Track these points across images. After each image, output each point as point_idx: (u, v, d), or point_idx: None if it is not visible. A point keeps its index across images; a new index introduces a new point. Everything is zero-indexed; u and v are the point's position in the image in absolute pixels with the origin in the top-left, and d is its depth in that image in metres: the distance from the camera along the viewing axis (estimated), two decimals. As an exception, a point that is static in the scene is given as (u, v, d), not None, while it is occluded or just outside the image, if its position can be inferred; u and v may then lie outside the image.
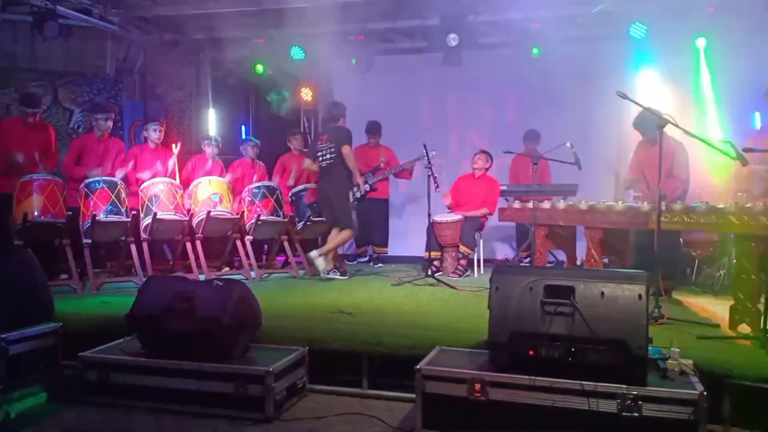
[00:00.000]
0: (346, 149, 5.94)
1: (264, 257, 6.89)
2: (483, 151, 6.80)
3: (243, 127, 9.31)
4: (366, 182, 7.22)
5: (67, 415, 3.34)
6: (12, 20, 7.49)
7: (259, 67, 8.23)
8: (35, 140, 5.88)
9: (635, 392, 2.69)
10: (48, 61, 7.87)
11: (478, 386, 2.90)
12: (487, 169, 6.73)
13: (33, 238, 5.15)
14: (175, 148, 6.39)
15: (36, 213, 5.24)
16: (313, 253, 5.98)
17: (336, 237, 6.11)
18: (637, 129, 5.31)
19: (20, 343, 3.61)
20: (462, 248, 6.37)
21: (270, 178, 7.06)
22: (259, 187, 6.30)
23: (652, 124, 5.14)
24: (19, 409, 3.36)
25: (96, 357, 3.50)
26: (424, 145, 6.29)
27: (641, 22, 6.69)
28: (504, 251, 8.00)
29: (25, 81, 7.57)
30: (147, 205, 5.73)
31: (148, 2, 7.23)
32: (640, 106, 4.32)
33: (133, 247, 5.65)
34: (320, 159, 6.09)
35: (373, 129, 7.50)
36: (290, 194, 6.61)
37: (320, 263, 5.94)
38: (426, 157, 6.15)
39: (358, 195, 7.24)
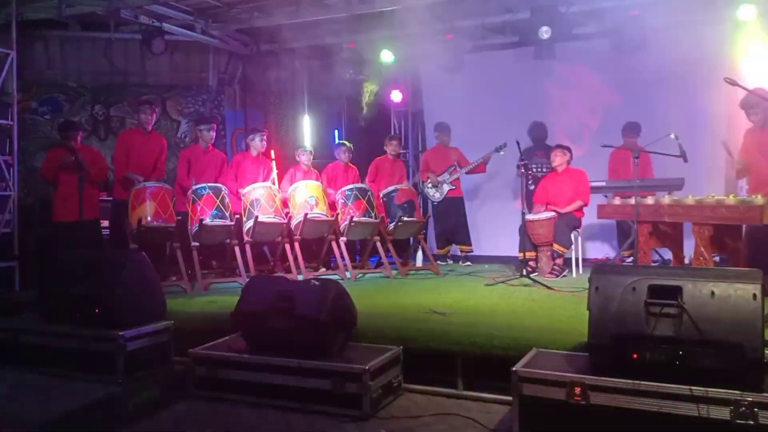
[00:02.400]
0: None
1: (358, 257, 7.02)
2: (558, 146, 6.56)
3: (336, 132, 9.53)
4: (444, 182, 7.24)
5: (178, 407, 3.55)
6: (123, 39, 8.08)
7: (350, 73, 8.36)
8: (152, 149, 6.33)
9: (751, 398, 2.53)
10: (156, 76, 8.43)
11: (578, 390, 2.82)
12: (568, 162, 6.50)
13: (146, 242, 5.54)
14: (272, 155, 6.65)
15: (149, 218, 5.61)
16: None
17: None
18: (743, 109, 4.95)
19: (137, 339, 3.90)
20: (556, 247, 6.18)
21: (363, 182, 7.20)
22: (351, 189, 6.44)
23: (760, 105, 4.79)
24: (135, 401, 3.61)
25: (205, 353, 3.71)
26: (517, 142, 6.19)
27: (751, 2, 6.23)
28: (604, 250, 7.69)
29: (136, 95, 8.13)
30: (249, 209, 6.00)
31: (246, 15, 7.56)
32: (751, 92, 4.04)
33: (237, 249, 5.93)
34: (534, 169, 6.91)
35: (445, 129, 7.51)
36: (382, 195, 6.70)
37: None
38: (499, 152, 6.62)
39: (438, 197, 7.27)
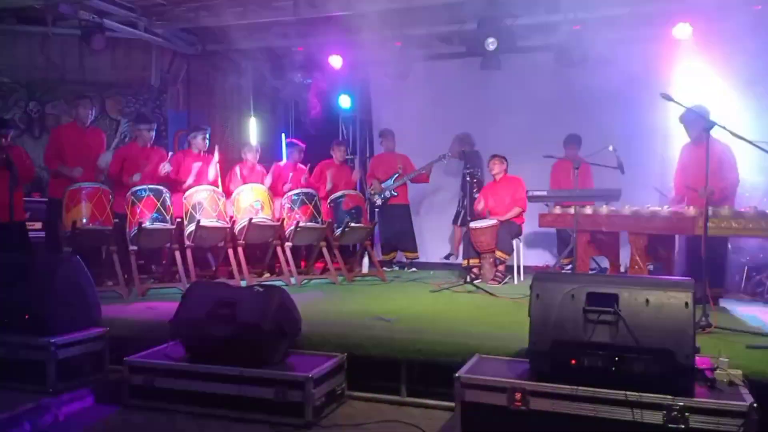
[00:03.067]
0: None
1: (302, 264, 6.94)
2: (495, 156, 6.75)
3: (283, 135, 9.44)
4: (385, 190, 7.28)
5: (113, 418, 3.43)
6: (61, 34, 7.76)
7: (298, 76, 8.31)
8: (90, 144, 6.08)
9: (682, 403, 2.62)
10: (95, 73, 8.13)
11: (518, 395, 2.87)
12: (505, 171, 6.68)
13: (81, 245, 5.32)
14: (216, 153, 6.50)
15: (84, 220, 5.40)
16: None
17: None
18: (682, 124, 5.16)
19: (69, 347, 3.74)
20: (498, 254, 6.30)
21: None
22: (298, 194, 6.38)
23: (698, 122, 4.98)
24: (67, 412, 3.46)
25: (141, 362, 3.59)
26: (463, 152, 6.28)
27: (685, 22, 6.53)
28: (545, 258, 7.87)
29: (74, 93, 7.82)
30: (191, 212, 5.85)
31: (191, 14, 7.40)
32: (685, 108, 4.22)
33: (177, 254, 5.77)
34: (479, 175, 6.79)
35: (389, 135, 7.55)
36: (329, 201, 6.66)
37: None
38: (441, 161, 6.73)
39: (379, 202, 7.30)
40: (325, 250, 6.49)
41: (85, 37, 6.98)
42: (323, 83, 8.51)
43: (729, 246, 5.39)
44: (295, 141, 7.46)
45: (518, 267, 6.52)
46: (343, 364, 3.58)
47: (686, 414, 2.60)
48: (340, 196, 6.60)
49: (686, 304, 2.77)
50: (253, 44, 7.91)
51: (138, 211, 5.58)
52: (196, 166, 6.44)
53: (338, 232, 6.46)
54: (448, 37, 7.94)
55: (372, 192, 7.44)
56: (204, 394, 3.39)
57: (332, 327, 4.07)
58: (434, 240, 8.24)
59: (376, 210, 7.55)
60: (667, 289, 2.84)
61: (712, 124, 4.01)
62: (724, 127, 3.97)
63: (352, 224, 6.41)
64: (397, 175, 7.38)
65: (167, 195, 5.78)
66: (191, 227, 5.78)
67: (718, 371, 2.85)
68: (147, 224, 5.52)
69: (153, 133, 6.42)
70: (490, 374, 3.02)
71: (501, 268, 6.36)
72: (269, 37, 7.64)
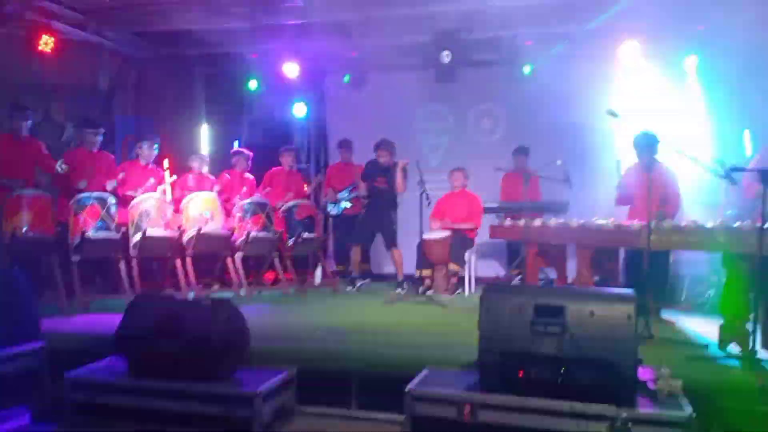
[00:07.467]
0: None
1: (251, 276, 6.82)
2: (459, 169, 6.79)
3: (236, 142, 9.31)
4: (341, 200, 7.25)
5: (51, 436, 3.30)
6: (6, 34, 7.47)
7: (253, 83, 8.24)
8: (25, 154, 5.86)
9: (625, 414, 2.68)
10: (41, 76, 7.85)
11: (467, 408, 2.89)
12: (465, 186, 6.74)
13: (21, 255, 5.11)
14: (166, 164, 6.37)
15: (24, 229, 5.19)
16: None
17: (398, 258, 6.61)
18: (634, 149, 5.29)
19: (4, 362, 3.57)
20: (451, 266, 6.35)
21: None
22: (249, 204, 6.28)
23: (647, 147, 5.10)
24: (3, 431, 3.31)
25: (82, 377, 3.47)
26: (417, 163, 6.30)
27: (633, 39, 6.76)
28: (495, 269, 7.97)
29: (18, 95, 7.53)
30: (137, 221, 5.69)
31: (142, 18, 7.24)
32: (630, 124, 4.36)
33: (122, 265, 5.60)
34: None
35: (348, 145, 7.52)
36: (281, 210, 6.58)
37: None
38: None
39: (334, 213, 7.26)
40: (277, 261, 6.41)
41: (31, 39, 6.74)
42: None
43: (671, 259, 5.57)
44: (240, 149, 7.36)
45: (470, 278, 6.58)
46: (293, 379, 3.54)
47: (629, 424, 2.67)
48: (293, 206, 6.53)
49: (628, 316, 2.84)
50: (205, 50, 7.79)
51: (81, 219, 5.39)
52: (143, 176, 6.30)
53: (291, 242, 6.39)
54: (404, 49, 7.99)
55: (327, 202, 7.39)
56: (148, 411, 3.29)
57: (282, 340, 4.03)
58: (388, 251, 8.23)
59: (331, 220, 7.50)
60: (610, 302, 2.92)
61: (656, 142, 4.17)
62: (682, 152, 4.09)
63: (305, 235, 6.35)
64: (353, 186, 7.35)
65: (112, 203, 5.62)
66: (137, 237, 5.62)
67: (659, 382, 2.93)
68: (91, 233, 5.35)
69: (99, 138, 6.25)
70: (441, 387, 3.04)
71: (454, 279, 6.41)
72: (223, 42, 7.54)
